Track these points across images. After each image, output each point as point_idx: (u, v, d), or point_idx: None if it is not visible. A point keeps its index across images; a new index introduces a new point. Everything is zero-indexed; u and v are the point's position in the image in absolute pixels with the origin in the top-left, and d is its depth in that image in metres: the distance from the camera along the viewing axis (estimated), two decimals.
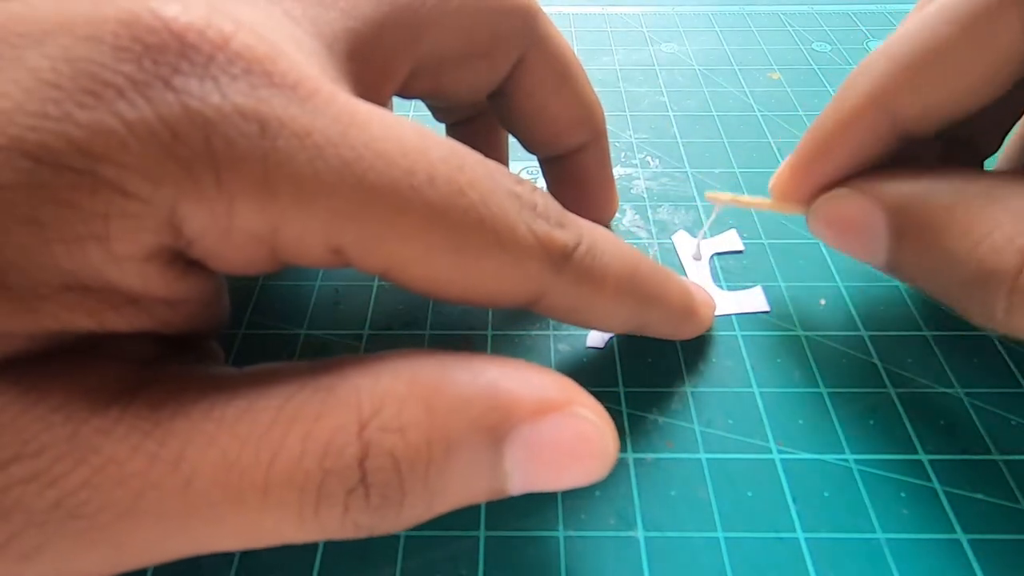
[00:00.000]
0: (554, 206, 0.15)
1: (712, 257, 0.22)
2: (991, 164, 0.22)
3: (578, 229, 0.15)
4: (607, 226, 0.23)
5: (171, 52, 0.11)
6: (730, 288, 0.21)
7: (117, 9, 0.12)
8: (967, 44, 0.15)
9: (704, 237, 0.22)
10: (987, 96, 0.15)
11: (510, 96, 0.20)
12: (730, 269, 0.22)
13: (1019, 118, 0.18)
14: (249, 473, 0.11)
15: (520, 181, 0.14)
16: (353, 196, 0.12)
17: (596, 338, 0.19)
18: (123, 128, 0.11)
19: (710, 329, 0.19)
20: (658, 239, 0.23)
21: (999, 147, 0.19)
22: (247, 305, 0.20)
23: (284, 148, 0.12)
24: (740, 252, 0.22)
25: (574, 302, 0.15)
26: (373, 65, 0.16)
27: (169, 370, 0.13)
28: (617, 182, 0.25)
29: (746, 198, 0.20)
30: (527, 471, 0.12)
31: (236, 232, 0.12)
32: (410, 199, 0.13)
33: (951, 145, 0.19)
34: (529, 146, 0.21)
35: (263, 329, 0.20)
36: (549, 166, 0.22)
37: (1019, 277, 0.13)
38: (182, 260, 0.13)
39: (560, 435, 0.13)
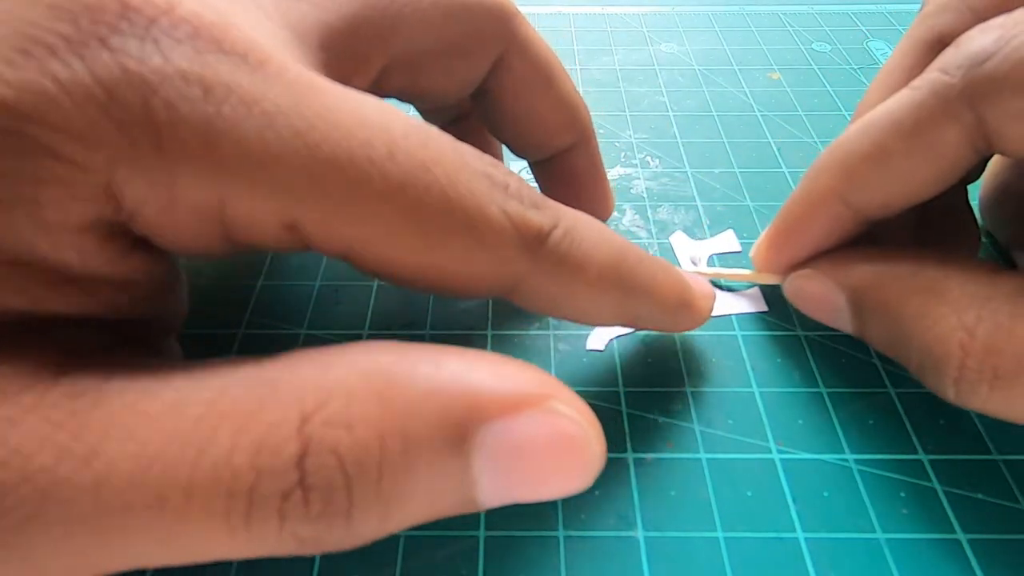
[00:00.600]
0: (529, 189, 0.14)
1: (711, 258, 0.22)
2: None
3: (555, 212, 0.14)
4: None
5: (110, 13, 0.11)
6: (728, 289, 0.21)
7: None
8: (911, 156, 0.16)
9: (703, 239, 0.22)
10: (937, 191, 0.16)
11: (494, 99, 0.20)
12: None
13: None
14: (171, 472, 0.10)
15: (493, 163, 0.14)
16: (305, 168, 0.12)
17: (596, 340, 0.19)
18: (55, 87, 0.10)
19: (710, 328, 0.20)
20: (658, 239, 0.23)
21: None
22: (247, 305, 0.20)
23: (230, 115, 0.11)
24: (738, 253, 0.22)
25: (553, 290, 0.14)
26: (344, 58, 0.15)
27: (99, 359, 0.11)
28: (617, 182, 0.25)
29: (728, 272, 0.21)
30: (499, 477, 0.11)
31: (180, 204, 0.11)
32: (368, 173, 0.12)
33: None
34: (517, 150, 0.21)
35: (263, 329, 0.20)
36: (540, 169, 0.22)
37: (961, 370, 0.14)
38: (126, 236, 0.12)
39: (536, 434, 0.11)
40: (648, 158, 0.26)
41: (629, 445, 0.17)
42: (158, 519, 0.10)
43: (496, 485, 0.11)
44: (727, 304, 0.20)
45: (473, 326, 0.20)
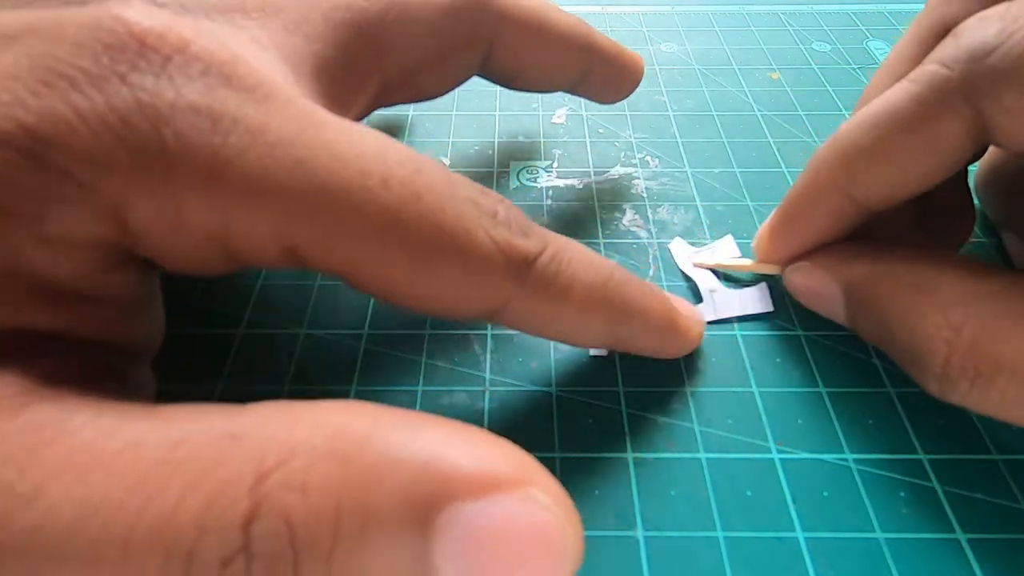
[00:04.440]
0: (517, 215, 0.15)
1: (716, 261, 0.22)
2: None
3: (543, 238, 0.15)
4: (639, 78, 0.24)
5: (129, 51, 0.12)
6: (736, 287, 0.21)
7: (83, 14, 0.12)
8: (912, 150, 0.16)
9: (702, 245, 0.22)
10: (938, 181, 0.16)
11: (498, 67, 0.21)
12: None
13: None
14: (111, 524, 0.09)
15: (483, 191, 0.14)
16: (304, 195, 0.12)
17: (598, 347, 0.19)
18: (74, 115, 0.11)
19: (710, 328, 0.19)
20: (658, 239, 0.23)
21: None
22: (247, 304, 0.20)
23: (235, 144, 0.12)
24: (737, 258, 0.22)
25: (539, 313, 0.15)
26: (340, 84, 0.16)
27: (69, 389, 0.11)
28: (617, 182, 0.25)
29: (729, 262, 0.21)
30: (462, 565, 0.09)
31: (185, 227, 0.12)
32: (363, 200, 0.12)
33: None
34: (536, 91, 0.23)
35: (263, 329, 0.20)
36: (571, 91, 0.23)
37: (945, 366, 0.15)
38: (121, 253, 0.12)
39: (507, 523, 0.10)
40: (648, 158, 0.26)
41: (629, 445, 0.17)
42: (89, 573, 0.09)
43: (459, 574, 0.10)
44: (733, 305, 0.20)
45: (473, 326, 0.20)
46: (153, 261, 0.13)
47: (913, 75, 0.16)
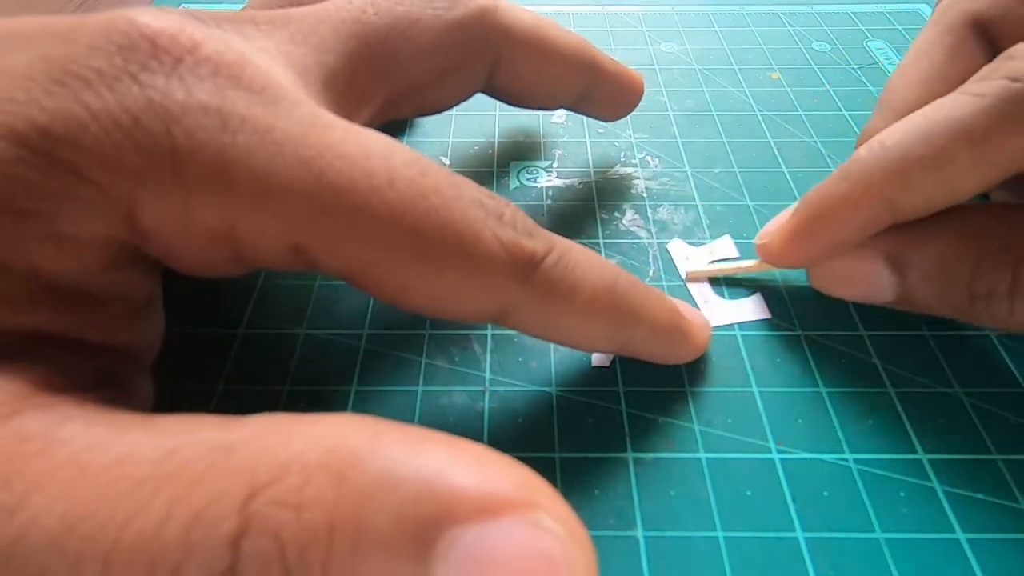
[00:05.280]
0: (523, 218, 0.15)
1: (710, 264, 0.22)
2: None
3: (549, 240, 0.15)
4: (641, 95, 0.24)
5: (141, 52, 0.12)
6: (731, 297, 0.21)
7: (97, 18, 0.12)
8: (976, 164, 0.16)
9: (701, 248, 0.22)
10: (981, 191, 0.16)
11: (501, 87, 0.21)
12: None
13: None
14: (93, 538, 0.09)
15: (489, 194, 0.14)
16: (310, 194, 0.12)
17: (600, 356, 0.19)
18: (86, 114, 0.11)
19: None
20: (658, 239, 0.23)
21: None
22: (247, 304, 0.20)
23: (244, 143, 0.12)
24: (736, 258, 0.22)
25: (545, 315, 0.15)
26: (347, 95, 0.16)
27: (65, 397, 0.11)
28: (617, 182, 0.25)
29: (725, 267, 0.21)
30: None
31: (194, 226, 0.12)
32: (369, 199, 0.12)
33: None
34: (538, 108, 0.23)
35: (263, 329, 0.20)
36: (572, 109, 0.24)
37: (1015, 283, 0.15)
38: (128, 253, 0.12)
39: (511, 550, 0.09)
40: (648, 158, 0.26)
41: (629, 445, 0.17)
42: None
43: None
44: (729, 314, 0.20)
45: (473, 326, 0.20)
46: (159, 261, 0.13)
47: (977, 88, 0.16)
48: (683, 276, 0.21)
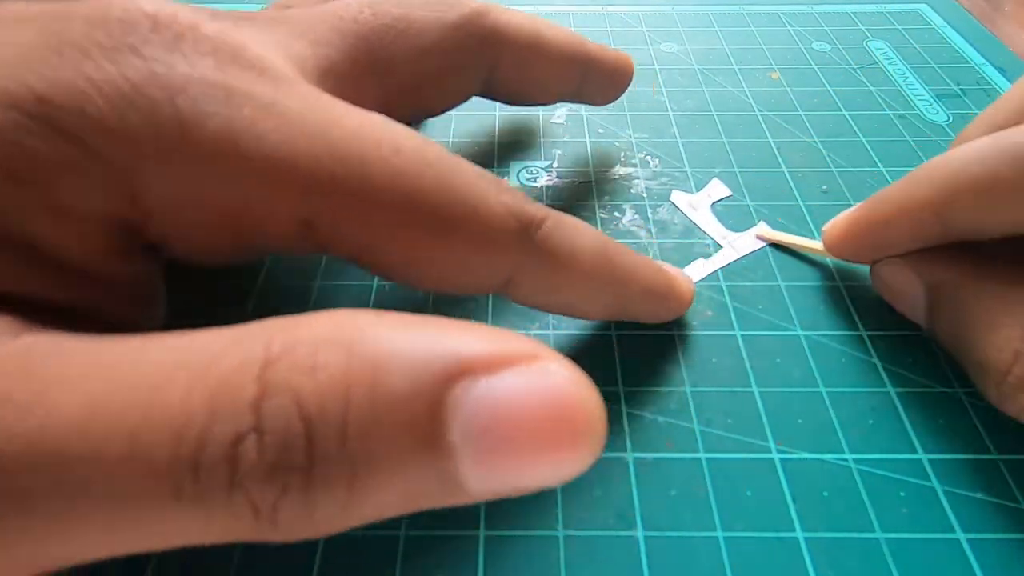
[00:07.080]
0: (517, 190, 0.15)
1: (712, 207, 0.23)
2: None
3: (544, 208, 0.15)
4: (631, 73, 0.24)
5: (142, 27, 0.12)
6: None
7: (94, 1, 0.12)
8: (1013, 185, 0.15)
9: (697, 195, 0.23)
10: None
11: (499, 89, 0.21)
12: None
13: None
14: (119, 417, 0.09)
15: (484, 169, 0.15)
16: (320, 165, 0.12)
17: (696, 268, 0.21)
18: (86, 83, 0.11)
19: (710, 328, 0.20)
20: (658, 239, 0.23)
21: None
22: (247, 305, 0.20)
23: (250, 115, 0.12)
24: (729, 196, 0.23)
25: (548, 280, 0.15)
26: (342, 89, 0.16)
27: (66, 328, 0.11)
28: (617, 182, 0.25)
29: (795, 239, 0.22)
30: (483, 447, 0.09)
31: (198, 202, 0.12)
32: (377, 167, 0.13)
33: None
34: (534, 104, 0.23)
35: None
36: (567, 100, 0.24)
37: (1007, 376, 0.15)
38: (131, 236, 0.12)
39: (526, 393, 0.09)
40: (648, 157, 0.26)
41: (629, 445, 0.17)
42: (96, 472, 0.09)
43: (479, 457, 0.09)
44: (729, 252, 0.22)
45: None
46: (162, 247, 0.13)
47: None
48: (688, 216, 0.23)
